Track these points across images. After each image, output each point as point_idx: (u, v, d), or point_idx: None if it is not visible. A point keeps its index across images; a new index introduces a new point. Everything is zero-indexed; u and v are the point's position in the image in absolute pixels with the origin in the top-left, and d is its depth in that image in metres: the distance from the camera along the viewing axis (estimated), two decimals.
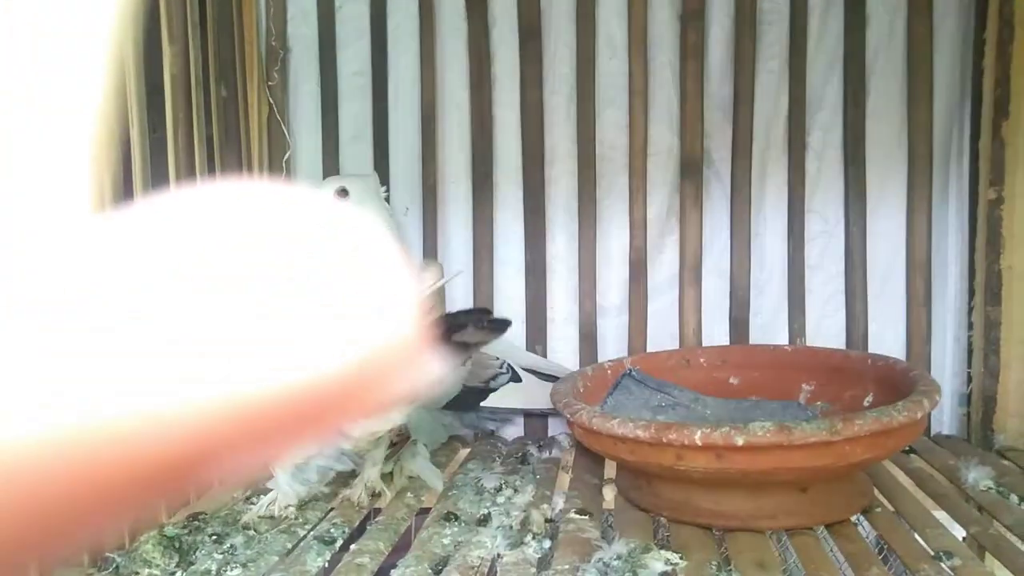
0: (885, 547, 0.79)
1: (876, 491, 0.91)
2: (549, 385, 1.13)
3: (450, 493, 0.96)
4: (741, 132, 1.22)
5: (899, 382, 0.92)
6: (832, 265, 1.21)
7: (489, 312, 0.94)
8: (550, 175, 1.26)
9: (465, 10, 1.25)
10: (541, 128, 1.25)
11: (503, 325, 0.86)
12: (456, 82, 1.26)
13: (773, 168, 1.23)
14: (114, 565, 0.75)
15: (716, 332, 1.23)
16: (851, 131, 1.20)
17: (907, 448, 1.10)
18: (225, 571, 0.75)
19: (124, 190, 0.86)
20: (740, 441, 0.74)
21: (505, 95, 1.25)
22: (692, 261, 1.23)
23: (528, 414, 1.23)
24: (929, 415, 0.86)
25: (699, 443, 0.75)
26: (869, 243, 1.20)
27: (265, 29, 1.25)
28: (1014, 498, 0.89)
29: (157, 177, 0.92)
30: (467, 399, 1.10)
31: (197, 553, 0.79)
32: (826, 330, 1.21)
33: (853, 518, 0.85)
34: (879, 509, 0.87)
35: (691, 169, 1.22)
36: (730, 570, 0.71)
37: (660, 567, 0.72)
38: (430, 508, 0.91)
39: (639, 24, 1.22)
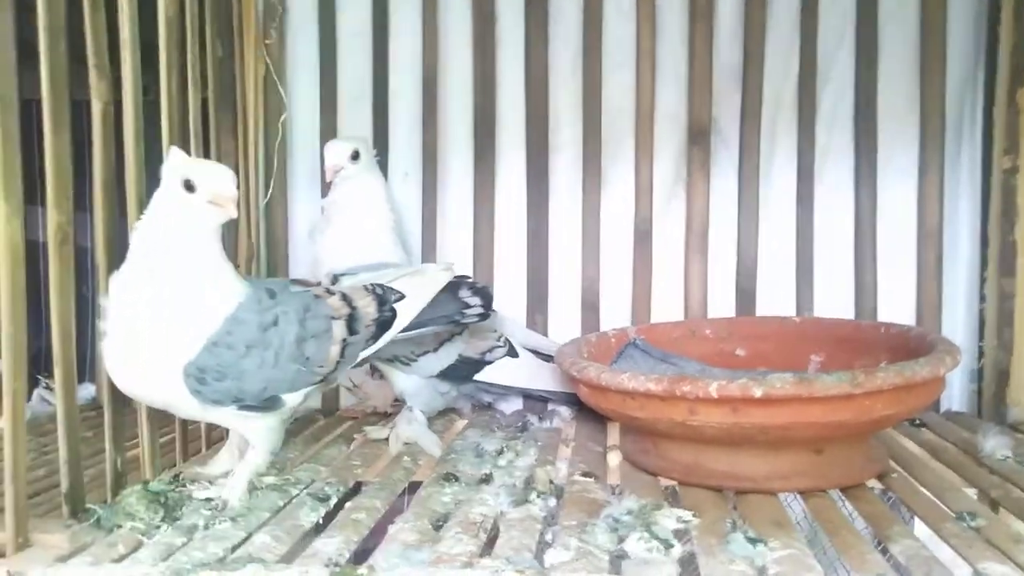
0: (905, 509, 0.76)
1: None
2: (548, 366, 1.11)
3: (448, 457, 0.93)
4: (750, 98, 1.19)
5: (914, 349, 0.89)
6: (841, 234, 1.18)
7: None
8: (554, 139, 1.22)
9: None
10: (546, 90, 1.22)
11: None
12: (459, 43, 1.23)
13: (782, 135, 1.20)
14: (95, 517, 0.71)
15: (722, 302, 1.20)
16: (862, 98, 1.17)
17: (917, 422, 1.08)
18: (213, 525, 0.71)
19: (116, 155, 0.81)
20: (758, 393, 0.70)
21: (509, 57, 1.22)
22: (699, 229, 1.20)
23: (527, 395, 1.19)
24: (945, 379, 0.83)
25: (715, 395, 0.72)
26: (879, 213, 1.17)
27: None
28: None
29: (149, 142, 0.87)
30: (462, 369, 1.07)
31: (183, 508, 0.75)
32: (834, 302, 1.18)
33: (868, 483, 0.82)
34: (895, 475, 0.84)
35: (699, 134, 1.19)
36: (747, 529, 0.68)
37: (672, 524, 0.68)
38: (421, 482, 0.86)
39: None
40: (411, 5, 1.22)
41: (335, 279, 0.92)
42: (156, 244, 0.72)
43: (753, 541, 0.64)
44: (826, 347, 1.04)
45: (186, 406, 0.75)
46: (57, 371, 0.72)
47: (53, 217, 0.71)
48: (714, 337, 1.11)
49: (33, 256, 0.71)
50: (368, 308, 0.85)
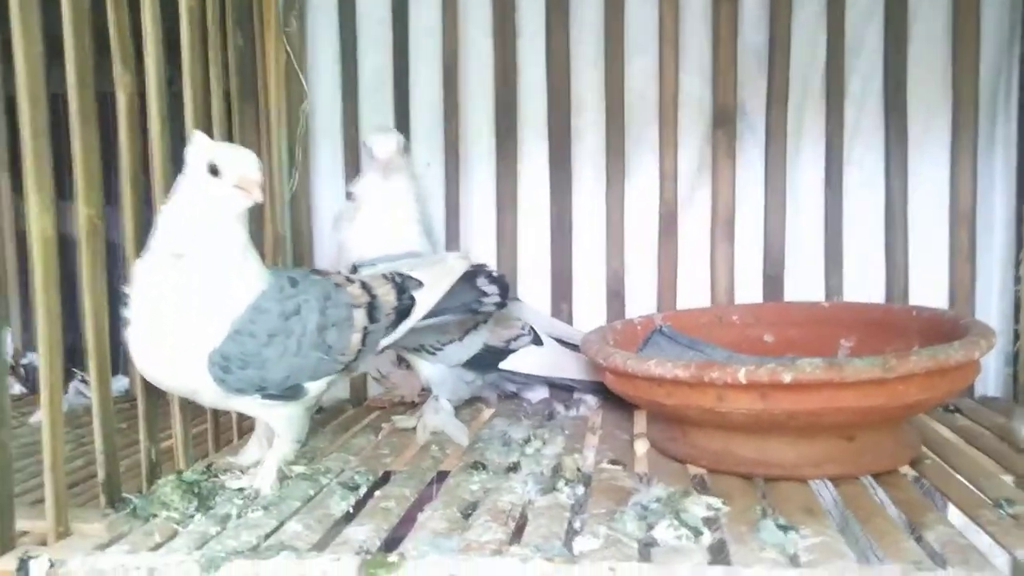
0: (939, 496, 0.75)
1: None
2: (573, 354, 1.10)
3: (476, 446, 0.93)
4: (777, 81, 1.17)
5: (947, 332, 0.87)
6: (871, 218, 1.16)
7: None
8: (576, 126, 1.21)
9: None
10: (567, 77, 1.21)
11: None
12: (479, 31, 1.22)
13: (810, 118, 1.18)
14: (131, 506, 0.72)
15: (749, 289, 1.19)
16: (892, 77, 1.14)
17: (951, 407, 1.06)
18: (245, 514, 0.72)
19: (141, 144, 0.82)
20: (787, 378, 0.69)
21: (530, 43, 1.21)
22: (724, 215, 1.19)
23: (552, 384, 1.19)
24: (979, 363, 0.81)
25: (743, 381, 0.71)
26: (910, 194, 1.15)
27: None
28: None
29: (174, 131, 0.87)
30: (487, 358, 1.07)
31: (216, 498, 0.76)
32: (865, 286, 1.16)
33: (901, 470, 0.81)
34: (928, 461, 0.83)
35: (724, 119, 1.18)
36: (777, 516, 0.67)
37: (702, 511, 0.68)
38: (449, 471, 0.86)
39: None
40: None
41: (355, 268, 0.93)
42: (181, 229, 0.71)
43: (784, 528, 0.64)
44: (856, 332, 1.03)
45: (210, 394, 0.75)
46: (91, 364, 0.74)
47: (83, 210, 0.72)
48: (741, 323, 1.10)
49: (64, 251, 0.72)
50: (388, 296, 0.85)
